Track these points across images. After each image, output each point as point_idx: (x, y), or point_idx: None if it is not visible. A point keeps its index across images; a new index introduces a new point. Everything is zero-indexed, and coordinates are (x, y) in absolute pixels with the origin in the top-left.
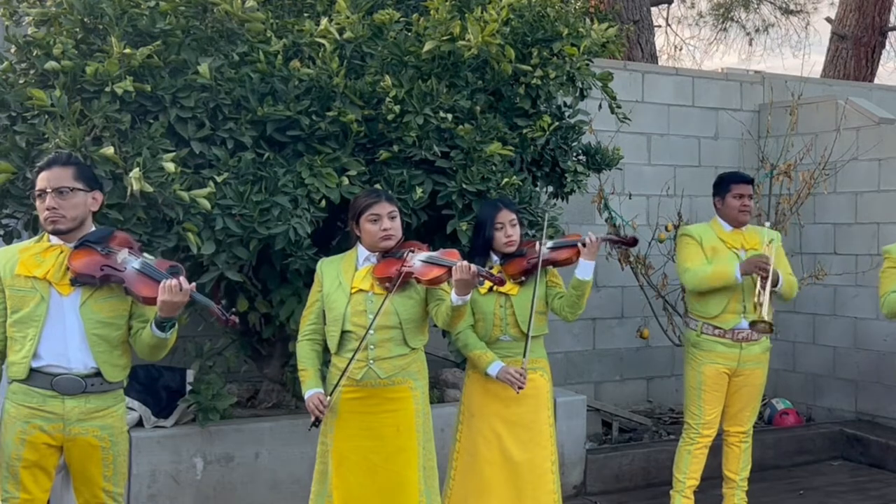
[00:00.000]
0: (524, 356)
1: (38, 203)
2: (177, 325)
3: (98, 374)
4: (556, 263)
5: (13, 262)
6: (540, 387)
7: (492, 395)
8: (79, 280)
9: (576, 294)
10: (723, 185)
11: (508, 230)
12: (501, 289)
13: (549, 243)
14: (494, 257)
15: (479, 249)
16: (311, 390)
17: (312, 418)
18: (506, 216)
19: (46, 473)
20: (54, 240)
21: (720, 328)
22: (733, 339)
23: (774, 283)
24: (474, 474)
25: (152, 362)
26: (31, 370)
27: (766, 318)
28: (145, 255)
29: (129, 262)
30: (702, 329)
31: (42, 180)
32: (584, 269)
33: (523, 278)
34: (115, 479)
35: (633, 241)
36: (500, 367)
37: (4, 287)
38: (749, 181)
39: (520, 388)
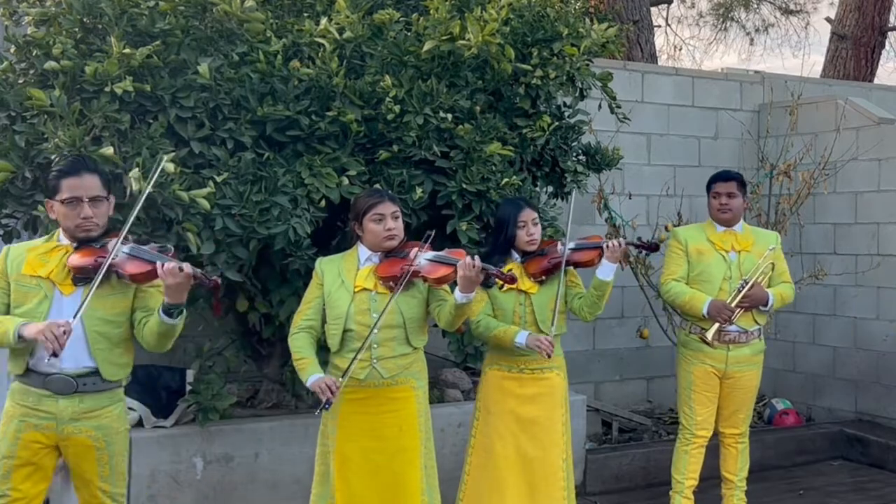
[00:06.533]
0: (552, 325)
1: (63, 208)
2: (185, 313)
3: (92, 373)
4: (578, 264)
5: (20, 260)
6: (556, 385)
7: (507, 393)
8: (78, 277)
9: (596, 294)
10: (708, 185)
11: (531, 228)
12: (522, 287)
13: (572, 244)
14: (515, 255)
15: (500, 248)
16: (314, 375)
17: (324, 399)
18: (528, 215)
19: (42, 473)
20: (63, 240)
21: (706, 329)
22: (720, 340)
23: (764, 304)
24: (489, 470)
25: (159, 351)
26: (28, 368)
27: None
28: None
29: (120, 248)
30: (690, 329)
31: (74, 188)
32: (606, 271)
33: (544, 277)
34: (113, 479)
35: (655, 247)
36: (527, 334)
37: (10, 281)
38: (728, 179)
39: (548, 354)
